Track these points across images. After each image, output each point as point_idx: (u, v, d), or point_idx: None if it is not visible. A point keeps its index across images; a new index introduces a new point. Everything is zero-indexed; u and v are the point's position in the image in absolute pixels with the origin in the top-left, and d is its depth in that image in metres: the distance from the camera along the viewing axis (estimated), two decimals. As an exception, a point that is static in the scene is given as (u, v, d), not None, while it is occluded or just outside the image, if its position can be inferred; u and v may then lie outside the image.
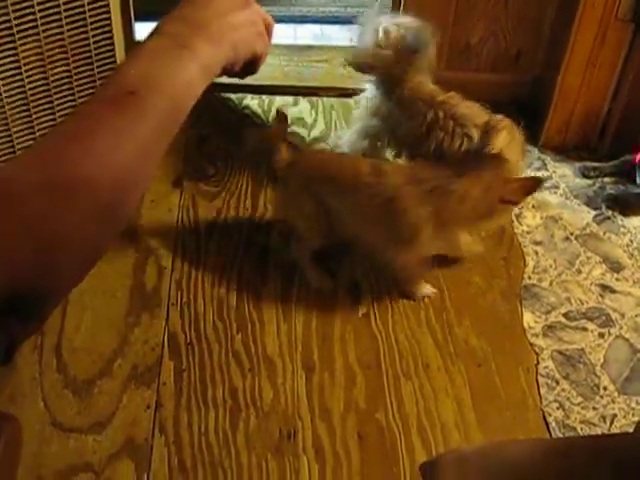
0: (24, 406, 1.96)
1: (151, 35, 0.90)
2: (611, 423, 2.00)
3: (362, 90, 2.48)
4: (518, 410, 2.02)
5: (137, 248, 2.34)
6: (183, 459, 1.89)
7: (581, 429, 1.98)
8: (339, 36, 3.32)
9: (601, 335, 2.20)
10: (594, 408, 2.03)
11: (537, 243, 2.41)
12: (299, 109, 2.84)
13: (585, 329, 2.21)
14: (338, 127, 2.75)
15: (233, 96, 2.85)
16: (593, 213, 2.54)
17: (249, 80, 2.89)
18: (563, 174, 2.65)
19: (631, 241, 2.46)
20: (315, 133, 2.73)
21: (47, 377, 2.05)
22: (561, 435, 1.95)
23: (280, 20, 3.34)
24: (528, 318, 2.22)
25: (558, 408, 2.02)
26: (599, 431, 1.97)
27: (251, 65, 1.01)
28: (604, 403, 2.04)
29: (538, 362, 2.12)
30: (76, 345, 2.12)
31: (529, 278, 2.32)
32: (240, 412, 1.98)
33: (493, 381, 2.07)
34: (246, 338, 2.14)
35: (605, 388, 2.07)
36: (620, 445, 1.35)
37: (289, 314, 2.19)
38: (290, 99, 2.87)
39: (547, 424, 1.98)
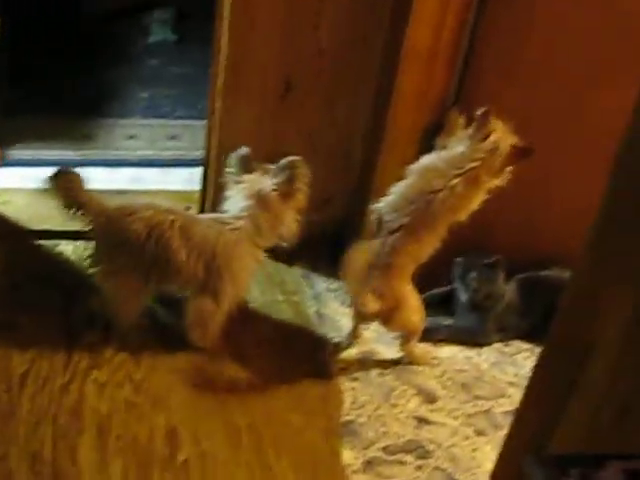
0: None
1: None
2: None
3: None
4: None
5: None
6: None
7: None
8: (156, 180, 3.35)
9: (419, 467, 2.24)
10: None
11: (354, 379, 2.46)
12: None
13: (403, 462, 2.25)
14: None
15: (47, 242, 2.81)
16: (406, 348, 2.63)
17: (66, 225, 2.83)
18: (377, 309, 2.74)
19: (444, 372, 2.55)
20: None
21: None
22: None
23: (95, 164, 3.35)
24: (347, 455, 2.24)
25: None
26: None
27: None
28: (425, 538, 2.07)
29: (359, 499, 2.14)
30: None
31: (347, 414, 2.35)
32: None
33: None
34: (62, 493, 2.07)
35: (424, 521, 2.11)
36: None
37: (105, 465, 2.13)
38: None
39: None
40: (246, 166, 2.39)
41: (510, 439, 1.45)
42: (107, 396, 2.32)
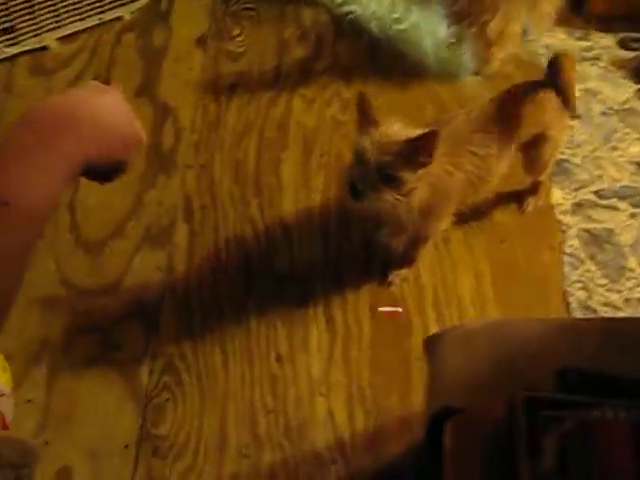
0: (35, 265, 1.90)
1: (20, 126, 0.89)
2: (636, 307, 1.93)
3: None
4: (539, 289, 1.95)
5: (154, 106, 2.27)
6: (191, 323, 1.86)
7: (604, 312, 1.90)
8: None
9: (633, 215, 2.10)
10: (619, 291, 1.95)
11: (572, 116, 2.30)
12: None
13: (616, 208, 2.11)
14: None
15: None
16: (635, 87, 2.41)
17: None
18: (606, 45, 2.51)
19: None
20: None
21: (59, 237, 2.01)
22: (582, 316, 1.88)
23: None
24: (557, 194, 2.13)
25: (581, 289, 1.94)
26: (622, 315, 1.89)
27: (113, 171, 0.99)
28: (630, 286, 1.96)
29: (564, 240, 2.04)
30: (89, 204, 2.07)
31: (561, 153, 2.20)
32: (253, 278, 1.94)
33: (515, 258, 2.00)
34: (263, 204, 2.08)
35: (632, 270, 1.99)
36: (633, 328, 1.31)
37: (307, 180, 2.12)
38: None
39: (568, 304, 1.91)
40: None
41: None
42: (314, 113, 2.28)
